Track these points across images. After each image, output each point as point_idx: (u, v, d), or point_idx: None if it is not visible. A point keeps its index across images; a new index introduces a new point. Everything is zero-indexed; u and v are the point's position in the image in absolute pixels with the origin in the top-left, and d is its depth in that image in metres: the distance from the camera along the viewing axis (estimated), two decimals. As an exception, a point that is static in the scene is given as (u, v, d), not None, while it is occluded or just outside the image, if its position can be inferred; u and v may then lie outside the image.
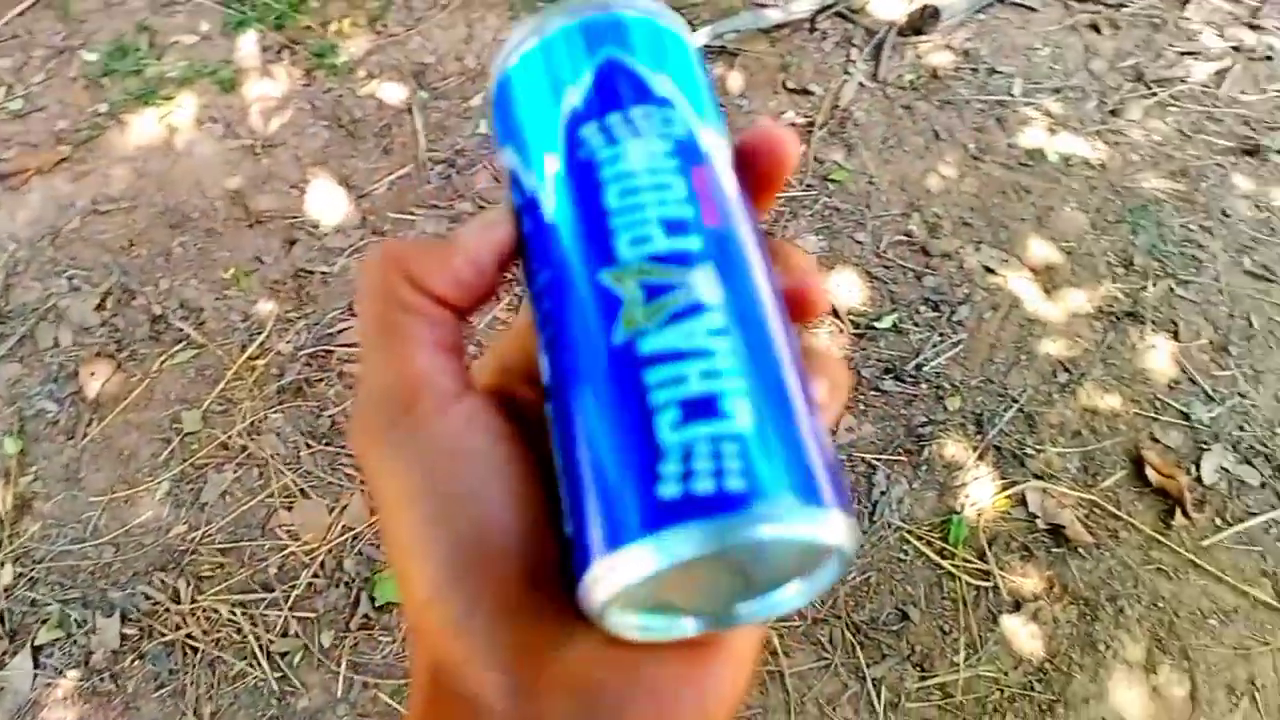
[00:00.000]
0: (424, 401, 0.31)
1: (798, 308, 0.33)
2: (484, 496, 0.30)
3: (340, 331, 2.20)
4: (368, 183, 2.41)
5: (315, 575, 1.95)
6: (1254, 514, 1.96)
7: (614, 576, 0.27)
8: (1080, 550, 1.93)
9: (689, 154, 0.32)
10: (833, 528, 0.28)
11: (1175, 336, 2.18)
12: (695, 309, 0.29)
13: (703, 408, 0.28)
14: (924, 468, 2.01)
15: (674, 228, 0.30)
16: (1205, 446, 2.04)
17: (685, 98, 0.33)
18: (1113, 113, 2.53)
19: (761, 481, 0.27)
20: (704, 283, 0.29)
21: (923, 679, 1.82)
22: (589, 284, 0.30)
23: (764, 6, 2.73)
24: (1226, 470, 2.01)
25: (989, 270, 2.27)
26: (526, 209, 0.33)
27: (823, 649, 1.84)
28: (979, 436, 2.04)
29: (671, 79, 0.33)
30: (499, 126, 0.36)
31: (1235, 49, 2.73)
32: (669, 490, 0.27)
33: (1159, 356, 2.15)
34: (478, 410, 0.32)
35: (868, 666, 1.82)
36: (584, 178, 0.31)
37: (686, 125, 0.32)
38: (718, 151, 0.33)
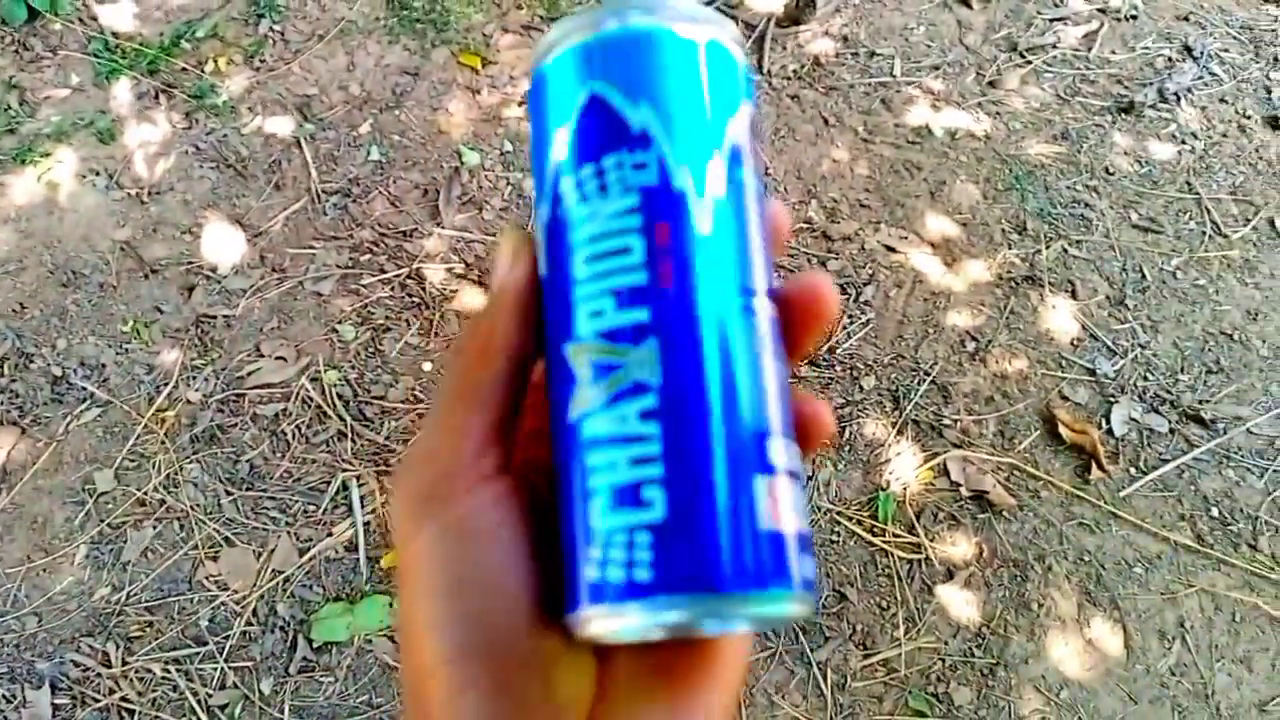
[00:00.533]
0: (460, 478, 0.33)
1: (802, 434, 0.33)
2: (496, 580, 0.32)
3: (250, 374, 2.16)
4: (262, 220, 2.36)
5: (249, 623, 1.91)
6: (1166, 460, 2.03)
7: (575, 628, 0.31)
8: (1005, 513, 1.97)
9: (656, 205, 0.31)
10: (747, 608, 0.29)
11: (1073, 295, 2.24)
12: (634, 390, 0.29)
13: (627, 495, 0.29)
14: (847, 449, 2.04)
15: (626, 299, 0.30)
16: (1113, 400, 2.10)
17: (667, 129, 0.31)
18: (991, 84, 2.60)
19: (668, 573, 0.28)
20: (644, 361, 0.30)
21: (866, 657, 1.84)
22: (557, 357, 0.31)
23: (645, 9, 2.74)
24: (1135, 420, 2.08)
25: (890, 249, 2.32)
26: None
27: (766, 638, 1.86)
28: (896, 412, 2.08)
29: (654, 108, 0.31)
30: (532, 134, 0.34)
31: (1101, 11, 2.82)
32: (591, 574, 0.29)
33: (1060, 316, 2.21)
34: (505, 494, 0.33)
35: (812, 651, 1.84)
36: (559, 240, 0.32)
37: (660, 168, 0.31)
38: (711, 172, 0.32)
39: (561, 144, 0.32)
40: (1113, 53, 2.69)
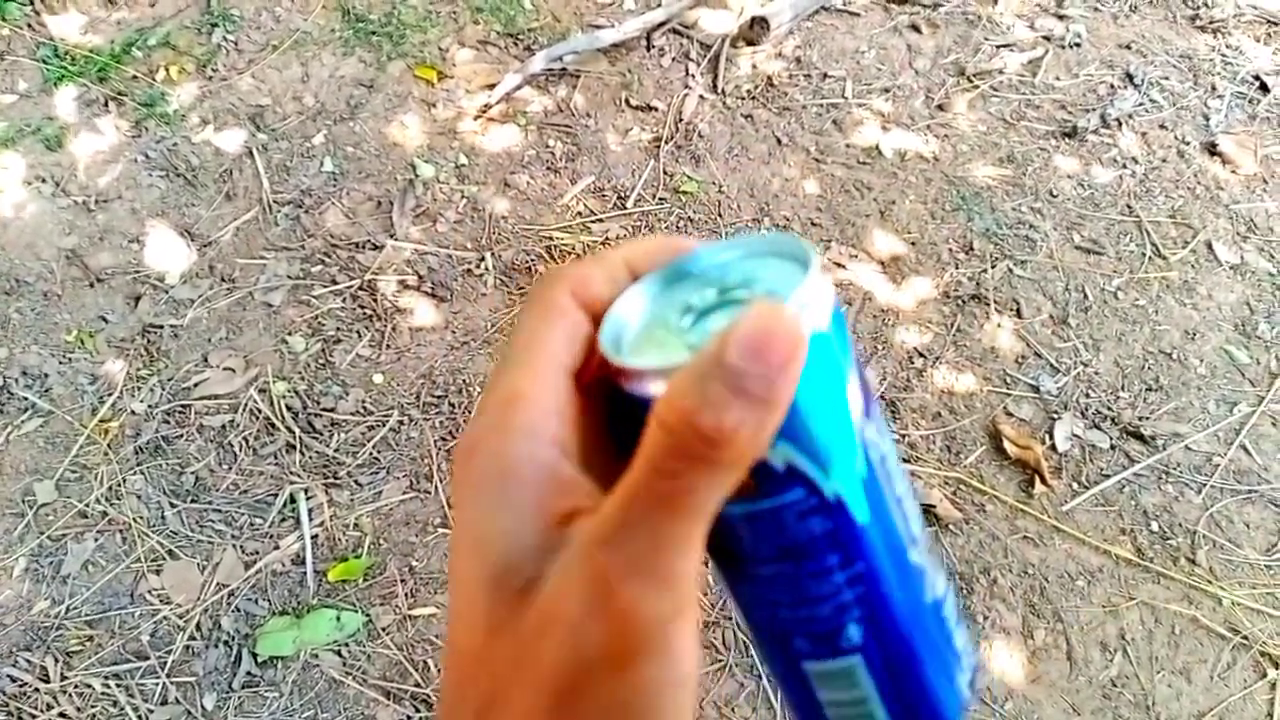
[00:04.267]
0: (518, 418, 0.32)
1: None
2: (515, 541, 0.31)
3: (196, 385, 2.13)
4: (212, 230, 2.34)
5: (192, 638, 1.88)
6: (1107, 476, 2.07)
7: None
8: (951, 527, 2.00)
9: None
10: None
11: (1018, 314, 2.28)
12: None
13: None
14: (796, 463, 2.06)
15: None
16: (1056, 416, 2.14)
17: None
18: (940, 107, 2.65)
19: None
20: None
21: (815, 668, 1.85)
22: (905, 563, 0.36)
23: (598, 28, 2.77)
24: (1078, 436, 2.12)
25: (840, 266, 2.35)
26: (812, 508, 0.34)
27: (717, 651, 1.87)
28: (846, 427, 2.10)
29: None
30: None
31: (1046, 38, 2.88)
32: (965, 693, 0.38)
33: (1005, 335, 2.25)
34: (545, 447, 0.32)
35: (761, 664, 1.85)
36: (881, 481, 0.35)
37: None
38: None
39: (856, 396, 0.35)
40: (1057, 79, 2.76)
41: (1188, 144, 2.60)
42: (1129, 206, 2.48)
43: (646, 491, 0.28)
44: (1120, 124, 2.63)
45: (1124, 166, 2.55)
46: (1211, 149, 2.59)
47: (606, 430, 0.34)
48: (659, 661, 0.29)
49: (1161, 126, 2.64)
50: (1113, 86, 2.73)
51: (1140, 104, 2.68)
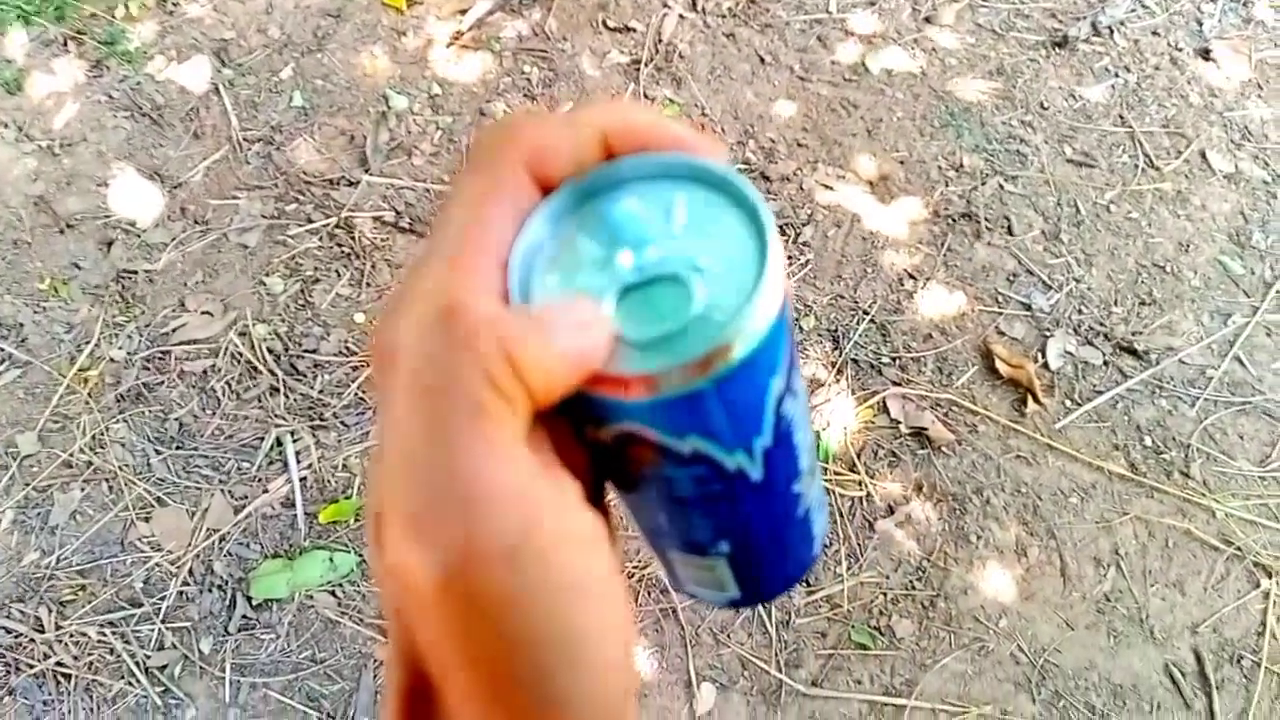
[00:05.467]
0: (455, 336, 0.28)
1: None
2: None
3: (175, 330, 2.09)
4: (182, 171, 2.28)
5: (185, 584, 1.87)
6: (1100, 392, 2.05)
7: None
8: (944, 449, 1.98)
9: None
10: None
11: (1009, 231, 2.25)
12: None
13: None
14: (787, 389, 2.03)
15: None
16: (1048, 333, 2.11)
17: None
18: (927, 19, 2.58)
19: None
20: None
21: (810, 594, 1.85)
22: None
23: (574, -54, 2.68)
24: (1070, 354, 2.10)
25: (827, 188, 2.30)
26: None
27: (710, 580, 1.86)
28: (836, 352, 2.08)
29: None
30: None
31: (1034, -54, 2.80)
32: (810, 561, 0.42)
33: (996, 252, 2.22)
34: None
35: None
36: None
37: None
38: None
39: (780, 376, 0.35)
40: (1046, -14, 2.68)
41: (1180, 50, 2.54)
42: (1121, 117, 2.43)
43: None
44: (1112, 31, 2.57)
45: (1116, 76, 2.50)
46: (1205, 55, 2.53)
47: None
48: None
49: (1154, 33, 2.57)
50: (1103, -8, 2.66)
51: (1132, 10, 2.61)
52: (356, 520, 1.92)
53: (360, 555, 1.89)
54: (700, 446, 0.31)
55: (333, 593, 1.86)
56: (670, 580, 0.42)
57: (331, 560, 1.89)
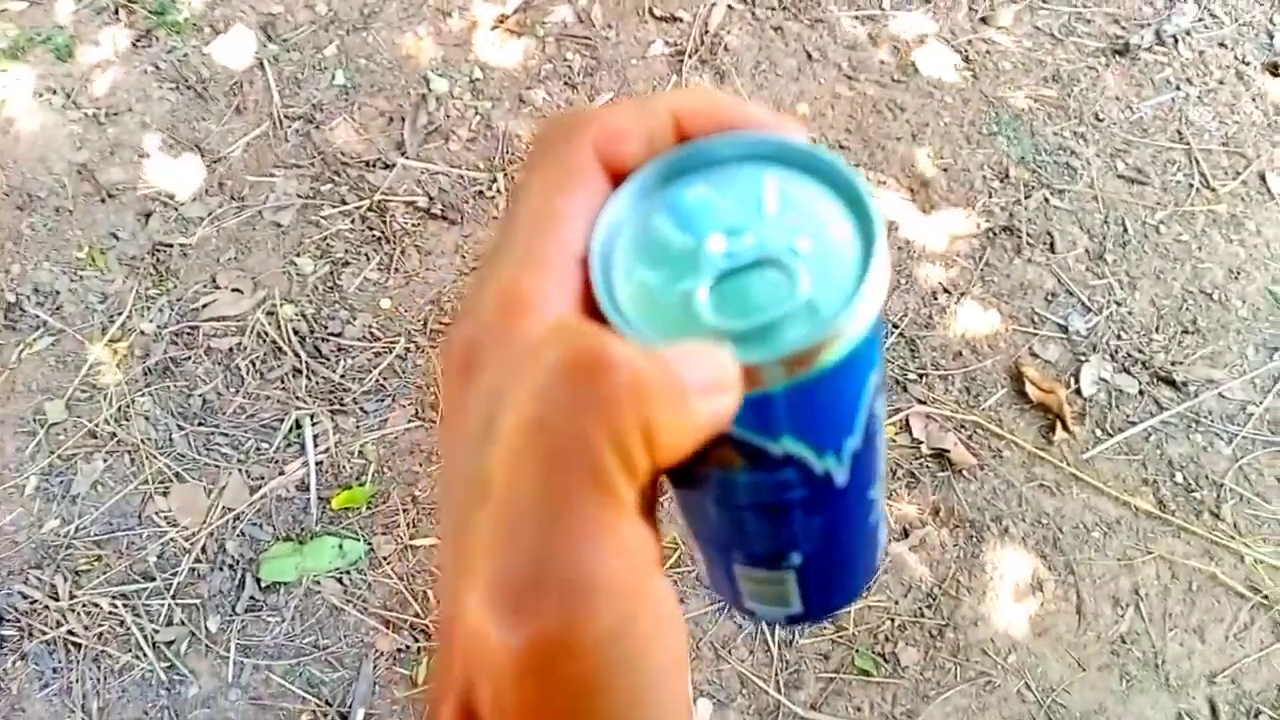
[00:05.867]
0: (525, 333, 0.26)
1: None
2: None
3: (205, 306, 2.11)
4: (222, 145, 2.30)
5: (197, 560, 1.90)
6: (1133, 423, 1.99)
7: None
8: (964, 473, 1.94)
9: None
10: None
11: (1052, 248, 2.18)
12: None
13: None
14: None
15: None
16: (1084, 358, 2.05)
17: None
18: (984, 20, 2.50)
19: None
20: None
21: (814, 614, 1.83)
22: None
23: (628, -70, 2.64)
24: (1105, 380, 2.03)
25: (867, 193, 2.24)
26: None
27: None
28: (861, 365, 2.04)
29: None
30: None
31: (1106, -54, 2.70)
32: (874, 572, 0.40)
33: (1036, 270, 2.16)
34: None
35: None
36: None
37: None
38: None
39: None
40: (1113, -10, 2.58)
41: (1248, 64, 2.43)
42: (1179, 132, 2.34)
43: None
44: (1176, 41, 2.47)
45: (1177, 88, 2.40)
46: (1274, 70, 2.42)
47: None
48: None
49: (1221, 45, 2.47)
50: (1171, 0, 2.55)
51: (1199, 19, 2.51)
52: (368, 508, 1.93)
53: (369, 544, 1.90)
54: (793, 448, 0.29)
55: (339, 580, 1.88)
56: (722, 594, 0.39)
57: (341, 547, 1.90)
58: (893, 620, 1.83)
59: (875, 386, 0.30)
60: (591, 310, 0.28)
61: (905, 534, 1.89)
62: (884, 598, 1.84)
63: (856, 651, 1.80)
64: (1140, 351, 2.06)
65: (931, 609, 1.83)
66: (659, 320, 0.28)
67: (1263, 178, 2.28)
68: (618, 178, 0.29)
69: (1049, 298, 2.13)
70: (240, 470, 1.97)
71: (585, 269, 0.28)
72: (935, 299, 2.12)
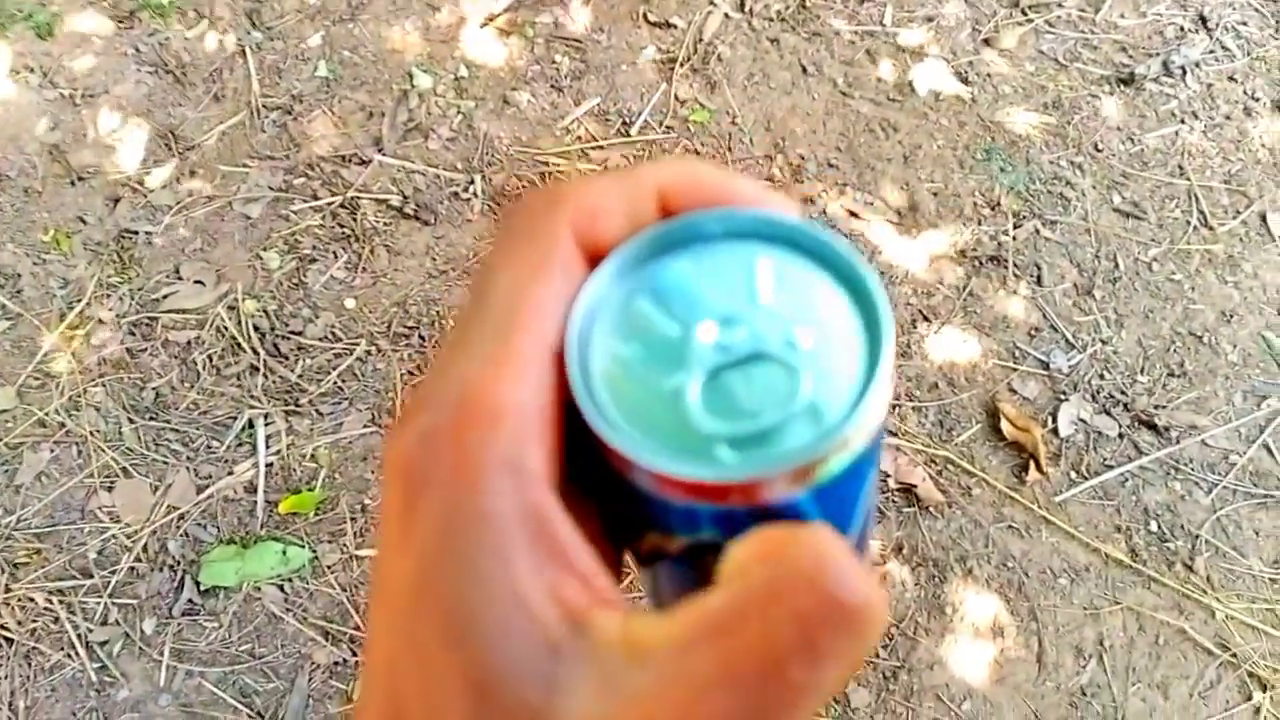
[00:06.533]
0: (493, 440, 0.23)
1: None
2: (510, 641, 0.23)
3: (165, 297, 2.07)
4: (197, 133, 2.25)
5: (137, 559, 1.86)
6: (1110, 467, 1.92)
7: None
8: (931, 509, 1.88)
9: None
10: None
11: (1039, 281, 2.11)
12: None
13: None
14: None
15: None
16: (1063, 397, 1.98)
17: None
18: (986, 42, 2.43)
19: None
20: None
21: (765, 649, 1.77)
22: None
23: (628, -68, 2.58)
24: (1084, 421, 1.96)
25: (852, 215, 2.19)
26: None
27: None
28: (832, 392, 1.97)
29: None
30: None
31: (1119, -30, 2.62)
32: None
33: (1021, 303, 2.09)
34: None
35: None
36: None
37: None
38: None
39: None
40: (1122, 16, 2.51)
41: (1257, 100, 2.35)
42: (1180, 167, 2.26)
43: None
44: (1185, 72, 2.39)
45: (1181, 121, 2.33)
46: (1283, 107, 2.35)
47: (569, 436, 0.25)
48: None
49: (1230, 78, 2.39)
50: (1183, 29, 2.47)
51: (1210, 51, 2.43)
52: (316, 514, 1.88)
53: (314, 552, 1.85)
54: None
55: (281, 587, 1.83)
56: None
57: (284, 553, 1.85)
58: (846, 660, 1.76)
59: (873, 480, 0.28)
60: (568, 410, 0.25)
61: (865, 571, 1.82)
62: (838, 636, 1.78)
63: (806, 691, 1.74)
64: (1123, 393, 1.99)
65: (886, 650, 1.77)
66: (644, 420, 0.25)
67: (1263, 218, 2.20)
68: (596, 260, 0.27)
69: (1032, 332, 2.06)
70: (189, 468, 1.92)
71: (561, 364, 0.25)
72: (914, 327, 2.06)
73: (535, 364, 0.24)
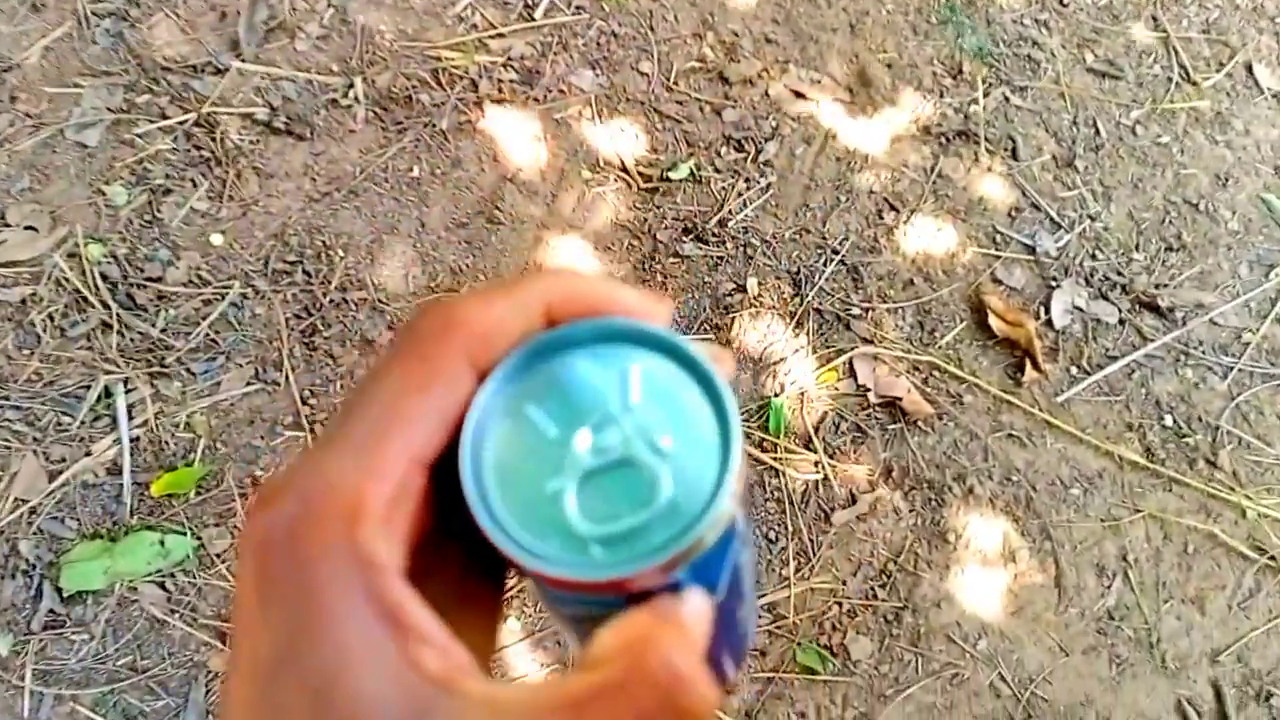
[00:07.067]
0: (357, 541, 0.25)
1: None
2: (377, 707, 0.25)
3: (-12, 248, 1.71)
4: (15, 50, 1.87)
5: (-18, 567, 1.52)
6: (1114, 358, 1.70)
7: None
8: (920, 424, 1.63)
9: None
10: None
11: (1014, 155, 1.86)
12: None
13: None
14: (734, 344, 1.67)
15: None
16: (1054, 283, 1.75)
17: None
18: (930, -108, 2.14)
19: None
20: None
21: (747, 603, 1.51)
22: None
23: None
24: (1080, 309, 1.73)
25: (798, 95, 1.90)
26: None
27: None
28: (796, 299, 1.71)
29: None
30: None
31: None
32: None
33: (997, 181, 1.84)
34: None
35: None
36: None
37: None
38: None
39: None
40: None
41: (1231, -61, 2.12)
42: (1154, 19, 2.02)
43: None
44: (1149, -87, 2.14)
45: (1151, -32, 2.08)
46: (1258, -54, 2.11)
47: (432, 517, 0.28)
48: None
49: (1200, -83, 2.15)
50: None
51: (1175, -112, 2.18)
52: (197, 493, 1.57)
53: (198, 539, 1.54)
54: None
55: (162, 585, 1.52)
56: None
57: (163, 544, 1.54)
58: (840, 605, 1.52)
59: (739, 548, 0.30)
60: (428, 519, 0.28)
61: (852, 499, 1.58)
62: (830, 577, 1.53)
63: (799, 645, 1.49)
64: (1119, 273, 1.77)
65: (886, 589, 1.53)
66: (530, 518, 0.27)
67: (1249, 69, 1.98)
68: (487, 373, 0.29)
69: (1012, 213, 1.81)
70: (36, 452, 1.59)
71: (428, 473, 0.27)
72: (880, 218, 1.79)
73: (400, 468, 0.26)
